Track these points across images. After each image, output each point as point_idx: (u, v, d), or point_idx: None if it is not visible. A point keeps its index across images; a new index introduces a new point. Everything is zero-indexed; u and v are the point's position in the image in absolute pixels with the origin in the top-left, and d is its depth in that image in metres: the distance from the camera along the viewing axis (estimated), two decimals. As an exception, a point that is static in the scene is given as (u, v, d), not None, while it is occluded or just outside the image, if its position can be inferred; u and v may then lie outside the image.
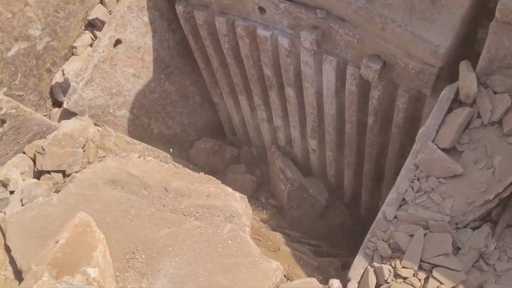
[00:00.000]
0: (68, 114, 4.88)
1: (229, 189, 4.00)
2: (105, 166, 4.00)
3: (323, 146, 5.82)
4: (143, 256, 3.64)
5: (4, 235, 3.77)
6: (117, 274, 3.56)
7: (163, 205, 3.85)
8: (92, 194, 3.90)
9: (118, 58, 5.04)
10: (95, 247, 3.23)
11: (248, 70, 5.40)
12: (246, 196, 4.08)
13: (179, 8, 5.08)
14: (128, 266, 3.60)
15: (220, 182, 4.11)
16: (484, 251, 3.29)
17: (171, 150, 6.07)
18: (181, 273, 3.58)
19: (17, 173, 4.14)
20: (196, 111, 6.43)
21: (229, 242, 3.73)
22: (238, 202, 3.93)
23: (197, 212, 3.84)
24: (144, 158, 4.06)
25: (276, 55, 4.92)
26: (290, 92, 5.26)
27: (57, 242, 3.18)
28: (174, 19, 5.35)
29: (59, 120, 4.90)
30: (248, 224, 3.84)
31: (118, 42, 4.97)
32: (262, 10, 4.62)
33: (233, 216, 3.82)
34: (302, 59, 4.67)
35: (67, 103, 4.77)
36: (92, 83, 4.88)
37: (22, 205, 4.12)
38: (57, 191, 4.11)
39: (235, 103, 6.25)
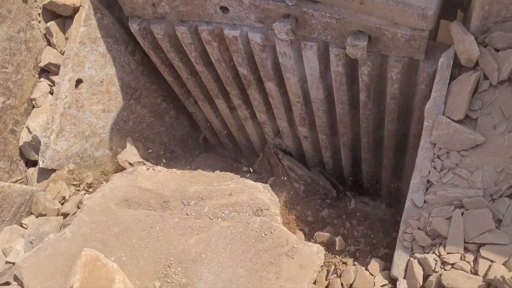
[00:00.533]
0: (45, 173, 4.49)
1: (251, 182, 3.85)
2: (113, 186, 3.79)
3: (314, 131, 5.61)
4: (178, 268, 3.48)
5: (22, 285, 3.45)
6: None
7: (186, 214, 3.68)
8: (107, 218, 3.68)
9: (83, 99, 4.62)
10: (112, 279, 3.12)
11: (222, 73, 5.07)
12: (268, 185, 3.93)
13: (134, 27, 4.66)
14: (167, 282, 3.45)
15: (238, 176, 3.92)
16: (526, 217, 3.17)
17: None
18: (222, 277, 3.43)
19: (22, 244, 3.81)
20: (173, 125, 6.09)
21: (264, 235, 3.58)
22: (262, 193, 3.79)
23: (223, 213, 3.70)
24: (153, 169, 3.88)
25: (249, 52, 4.61)
26: (271, 86, 4.98)
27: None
28: (129, 41, 4.94)
29: (38, 180, 4.50)
30: (277, 213, 3.73)
31: (79, 82, 4.55)
32: (224, 9, 4.26)
33: (261, 209, 3.67)
34: (279, 51, 4.38)
35: (43, 161, 4.37)
36: (63, 133, 4.47)
37: (31, 244, 3.81)
38: (65, 225, 3.89)
39: (212, 108, 5.93)
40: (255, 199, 3.74)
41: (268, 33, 4.29)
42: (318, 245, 3.62)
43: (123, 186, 3.81)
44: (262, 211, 3.69)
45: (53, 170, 4.49)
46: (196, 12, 4.38)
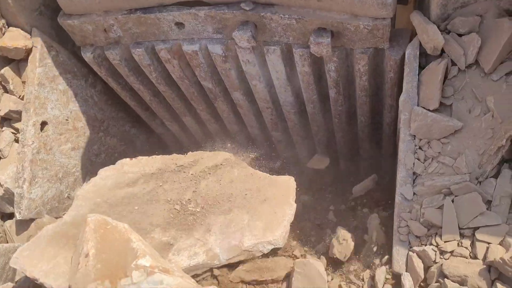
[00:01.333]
0: (24, 224, 4.30)
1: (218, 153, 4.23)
2: (102, 176, 3.93)
3: (288, 134, 5.58)
4: (192, 204, 3.82)
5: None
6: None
7: (179, 177, 3.99)
8: (105, 198, 3.76)
9: (51, 141, 4.44)
10: (129, 240, 2.98)
11: (186, 90, 4.95)
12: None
13: (88, 56, 4.47)
14: (186, 213, 3.76)
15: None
16: (514, 194, 3.23)
17: None
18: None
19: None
20: (144, 148, 5.95)
21: (243, 178, 4.01)
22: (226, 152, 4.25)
23: (208, 173, 4.04)
24: (136, 158, 4.12)
25: (212, 65, 4.51)
26: (237, 95, 4.90)
27: (87, 255, 2.88)
28: (89, 73, 4.77)
29: (18, 233, 4.32)
30: (244, 164, 4.18)
31: (43, 124, 4.36)
32: (180, 25, 4.14)
33: (233, 164, 4.10)
34: (242, 59, 4.30)
35: (19, 213, 4.17)
36: (36, 180, 4.28)
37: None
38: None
39: (180, 126, 5.80)
40: (226, 158, 4.14)
41: (228, 43, 4.20)
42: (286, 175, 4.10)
43: (111, 175, 3.93)
44: (234, 164, 4.11)
45: (32, 220, 4.31)
46: (150, 32, 4.24)
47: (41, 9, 4.34)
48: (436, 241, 3.36)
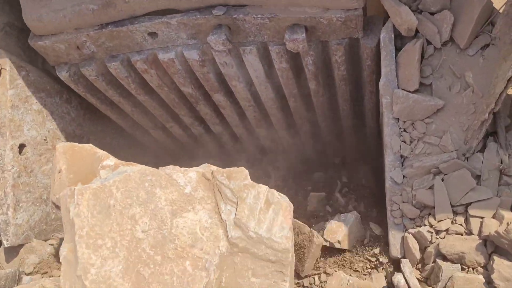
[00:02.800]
0: (13, 251, 4.20)
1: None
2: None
3: (273, 129, 5.56)
4: None
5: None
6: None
7: None
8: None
9: (31, 163, 4.34)
10: (95, 153, 3.45)
11: (166, 98, 4.90)
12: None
13: (63, 75, 4.39)
14: None
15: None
16: (502, 166, 3.24)
17: None
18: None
19: None
20: (128, 158, 5.86)
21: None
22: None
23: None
24: None
25: (189, 71, 4.46)
26: (219, 97, 4.86)
27: (60, 171, 3.41)
28: (62, 89, 4.67)
29: (8, 260, 4.22)
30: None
31: (22, 147, 4.26)
32: (153, 35, 4.09)
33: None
34: (219, 62, 4.26)
35: (7, 240, 4.07)
36: (20, 205, 4.18)
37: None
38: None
39: (165, 133, 5.75)
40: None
41: (204, 47, 4.16)
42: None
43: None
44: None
45: (21, 246, 4.21)
46: (124, 44, 4.18)
47: (6, 29, 4.23)
48: (430, 221, 3.38)
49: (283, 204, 3.17)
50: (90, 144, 3.55)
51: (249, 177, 3.26)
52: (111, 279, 2.89)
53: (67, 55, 4.27)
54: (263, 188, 3.21)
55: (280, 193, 3.24)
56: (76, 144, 3.51)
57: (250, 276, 3.06)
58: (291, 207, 3.19)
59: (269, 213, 3.15)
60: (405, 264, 3.33)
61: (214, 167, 3.31)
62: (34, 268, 4.20)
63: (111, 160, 3.39)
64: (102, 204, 3.09)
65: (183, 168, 3.34)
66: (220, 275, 3.03)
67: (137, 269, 2.94)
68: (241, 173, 3.26)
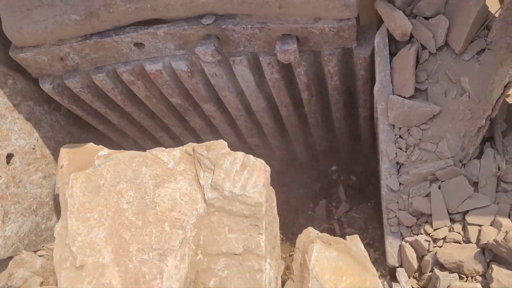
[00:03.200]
0: (3, 263, 4.08)
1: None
2: None
3: (265, 139, 5.48)
4: None
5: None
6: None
7: None
8: None
9: (19, 173, 4.21)
10: (95, 150, 3.94)
11: (155, 108, 4.76)
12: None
13: (47, 87, 4.23)
14: None
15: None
16: (500, 172, 3.20)
17: None
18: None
19: None
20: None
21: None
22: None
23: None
24: None
25: (178, 82, 4.34)
26: (209, 107, 4.74)
27: (62, 167, 4.03)
28: (51, 97, 4.54)
29: (-1, 271, 4.12)
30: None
31: (9, 157, 4.13)
32: (140, 45, 3.97)
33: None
34: (209, 73, 4.15)
35: (-4, 253, 3.98)
36: (8, 216, 4.06)
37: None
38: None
39: (154, 143, 5.63)
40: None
41: (192, 58, 4.03)
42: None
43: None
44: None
45: (10, 258, 4.11)
46: (110, 55, 4.04)
47: None
48: (426, 230, 3.32)
49: (258, 165, 3.41)
50: (91, 143, 3.99)
51: (227, 148, 3.52)
52: (95, 244, 3.20)
53: (50, 67, 4.13)
54: (240, 154, 3.48)
55: (256, 158, 3.46)
56: (79, 144, 4.06)
57: (226, 232, 3.26)
58: (266, 168, 3.43)
59: (244, 174, 3.39)
60: (401, 274, 3.27)
61: (196, 144, 3.61)
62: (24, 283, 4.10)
63: (105, 151, 3.79)
64: (93, 184, 3.43)
65: (168, 148, 3.66)
66: (197, 234, 3.25)
67: (119, 234, 3.21)
68: (220, 145, 3.57)
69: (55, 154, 4.71)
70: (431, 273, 3.21)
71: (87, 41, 3.88)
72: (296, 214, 5.63)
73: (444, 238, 3.25)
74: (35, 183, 4.45)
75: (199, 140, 5.51)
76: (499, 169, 3.21)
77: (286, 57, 3.72)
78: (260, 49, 3.89)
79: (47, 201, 4.60)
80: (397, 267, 3.40)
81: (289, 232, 5.33)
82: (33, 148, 4.43)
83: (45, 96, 4.57)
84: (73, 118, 4.96)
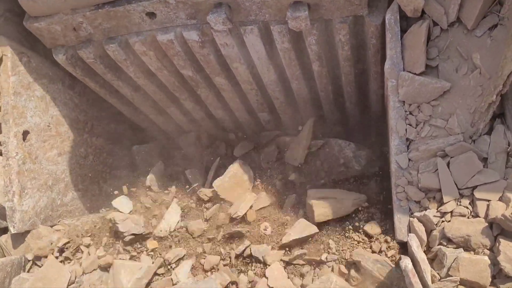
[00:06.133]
0: (20, 237, 4.21)
1: None
2: None
3: (275, 113, 5.50)
4: None
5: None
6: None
7: None
8: None
9: (35, 150, 4.32)
10: None
11: (166, 81, 4.81)
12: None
13: (60, 57, 4.28)
14: None
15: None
16: (510, 148, 3.21)
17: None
18: None
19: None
20: (133, 143, 5.84)
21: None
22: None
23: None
24: None
25: (189, 52, 4.37)
26: (220, 80, 4.78)
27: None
28: (65, 76, 4.61)
29: (15, 246, 4.24)
30: None
31: (25, 133, 4.23)
32: (151, 15, 3.99)
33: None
34: (220, 43, 4.16)
35: (13, 227, 4.08)
36: (25, 191, 4.18)
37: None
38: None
39: (166, 119, 5.68)
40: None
41: (203, 28, 4.05)
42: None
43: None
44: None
45: (28, 232, 4.23)
46: (122, 25, 4.08)
47: (5, 15, 4.16)
48: (435, 204, 3.36)
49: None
50: None
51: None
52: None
53: (64, 37, 4.16)
54: None
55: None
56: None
57: None
58: None
59: None
60: (412, 239, 3.30)
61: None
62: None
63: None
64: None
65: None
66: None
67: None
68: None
69: (70, 132, 4.81)
70: (438, 246, 3.26)
71: (99, 10, 3.90)
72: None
73: (451, 212, 3.29)
74: (50, 160, 4.55)
75: (210, 115, 5.56)
76: (509, 145, 3.22)
77: (297, 24, 3.72)
78: (271, 17, 3.89)
79: (62, 178, 4.71)
80: (406, 242, 3.45)
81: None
82: (48, 126, 4.52)
83: (59, 75, 4.64)
84: (87, 96, 5.03)
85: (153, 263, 4.08)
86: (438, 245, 3.30)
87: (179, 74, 4.75)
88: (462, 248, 3.14)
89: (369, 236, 3.83)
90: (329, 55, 4.37)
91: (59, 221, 4.57)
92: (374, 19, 3.80)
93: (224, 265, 4.02)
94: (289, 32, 3.97)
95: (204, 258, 4.09)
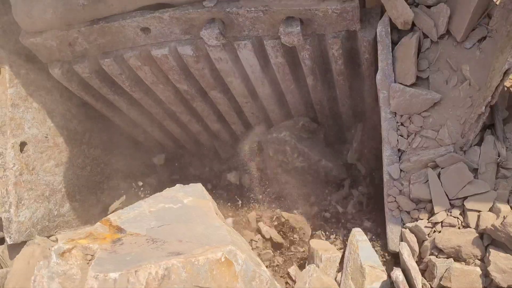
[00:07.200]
0: (17, 247, 4.24)
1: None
2: None
3: (271, 126, 5.54)
4: None
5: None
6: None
7: None
8: None
9: (32, 161, 4.36)
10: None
11: (162, 95, 4.86)
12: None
13: (56, 72, 4.34)
14: None
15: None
16: (499, 159, 3.24)
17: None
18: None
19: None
20: (130, 154, 5.88)
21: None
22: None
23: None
24: None
25: (184, 67, 4.42)
26: (215, 94, 4.82)
27: None
28: (62, 87, 4.66)
29: (11, 257, 4.27)
30: None
31: (23, 145, 4.28)
32: (146, 30, 4.05)
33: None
34: (214, 57, 4.22)
35: (10, 237, 4.11)
36: (22, 202, 4.22)
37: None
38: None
39: (162, 131, 5.71)
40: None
41: (198, 43, 4.11)
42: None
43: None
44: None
45: (24, 242, 4.26)
46: (117, 40, 4.14)
47: (4, 28, 4.23)
48: (426, 215, 3.38)
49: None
50: None
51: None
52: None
53: (59, 52, 4.23)
54: None
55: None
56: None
57: None
58: None
59: None
60: (404, 248, 3.32)
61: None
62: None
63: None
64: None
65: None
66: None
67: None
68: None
69: (67, 143, 4.86)
70: (430, 257, 3.27)
71: (94, 26, 3.97)
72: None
73: (442, 223, 3.30)
74: (48, 171, 4.59)
75: (206, 128, 5.60)
76: (499, 156, 3.25)
77: (290, 40, 3.77)
78: (264, 32, 3.95)
79: (60, 188, 4.75)
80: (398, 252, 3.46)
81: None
82: (45, 137, 4.57)
83: (57, 86, 4.70)
84: (85, 108, 5.08)
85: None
86: (429, 255, 3.31)
87: (175, 88, 4.80)
88: (452, 259, 3.15)
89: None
90: (323, 69, 4.41)
91: (56, 232, 4.60)
92: (366, 34, 3.86)
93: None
94: (283, 47, 4.02)
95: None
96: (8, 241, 4.13)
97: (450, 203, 3.31)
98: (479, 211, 3.22)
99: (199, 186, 3.68)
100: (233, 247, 2.85)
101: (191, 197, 3.51)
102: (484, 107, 3.14)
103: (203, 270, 2.66)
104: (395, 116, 3.54)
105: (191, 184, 3.73)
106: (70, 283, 2.58)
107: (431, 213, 3.35)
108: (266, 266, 3.53)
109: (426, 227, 3.32)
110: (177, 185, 3.76)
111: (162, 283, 2.56)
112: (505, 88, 3.40)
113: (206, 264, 2.67)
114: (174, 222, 3.16)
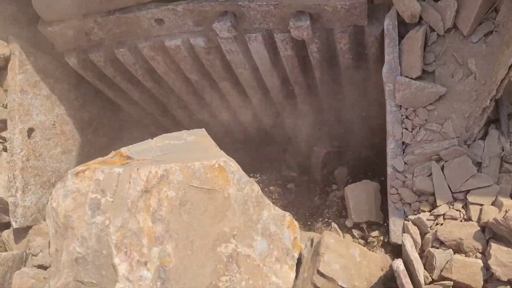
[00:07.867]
0: (22, 232, 4.30)
1: None
2: None
3: (279, 118, 5.59)
4: None
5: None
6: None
7: None
8: None
9: (39, 147, 4.43)
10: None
11: (173, 85, 4.96)
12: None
13: (72, 61, 4.48)
14: None
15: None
16: (503, 153, 3.24)
17: None
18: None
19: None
20: (139, 141, 5.93)
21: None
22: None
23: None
24: None
25: (196, 58, 4.52)
26: (225, 85, 4.91)
27: None
28: (71, 75, 4.74)
29: (16, 241, 4.32)
30: None
31: (30, 131, 4.35)
32: (160, 21, 4.15)
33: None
34: (225, 49, 4.31)
35: (15, 222, 4.17)
36: (28, 187, 4.28)
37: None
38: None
39: (173, 122, 5.81)
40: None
41: (210, 35, 4.21)
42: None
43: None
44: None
45: (30, 227, 4.31)
46: (131, 31, 4.24)
47: (15, 15, 4.30)
48: (428, 208, 3.39)
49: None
50: None
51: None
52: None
53: (76, 41, 4.34)
54: None
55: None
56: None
57: None
58: None
59: None
60: (406, 238, 3.32)
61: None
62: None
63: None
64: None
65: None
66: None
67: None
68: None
69: (74, 131, 4.92)
70: (432, 248, 3.28)
71: (110, 16, 4.07)
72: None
73: (444, 215, 3.31)
74: (54, 158, 4.65)
75: (215, 118, 5.66)
76: (503, 150, 3.25)
77: (299, 33, 3.84)
78: (274, 26, 4.02)
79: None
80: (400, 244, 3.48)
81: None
82: (53, 124, 4.62)
83: (65, 75, 4.77)
84: (92, 97, 5.15)
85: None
86: (431, 247, 3.32)
87: (186, 78, 4.90)
88: (451, 250, 3.16)
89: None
90: (330, 63, 4.48)
91: (61, 218, 4.63)
92: (373, 30, 3.92)
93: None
94: (292, 40, 4.10)
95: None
96: (14, 225, 4.19)
97: (452, 196, 3.32)
98: (481, 205, 3.22)
99: (203, 131, 3.81)
100: (227, 159, 3.08)
101: (194, 136, 3.68)
102: (489, 101, 3.14)
103: (198, 173, 2.92)
104: (400, 109, 3.56)
105: (195, 129, 3.87)
106: (82, 198, 2.83)
107: (434, 205, 3.37)
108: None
109: (428, 219, 3.33)
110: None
111: (161, 181, 2.83)
112: (511, 82, 3.40)
113: (201, 168, 2.93)
114: (177, 152, 3.40)
